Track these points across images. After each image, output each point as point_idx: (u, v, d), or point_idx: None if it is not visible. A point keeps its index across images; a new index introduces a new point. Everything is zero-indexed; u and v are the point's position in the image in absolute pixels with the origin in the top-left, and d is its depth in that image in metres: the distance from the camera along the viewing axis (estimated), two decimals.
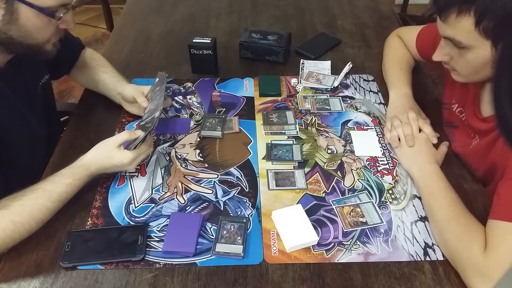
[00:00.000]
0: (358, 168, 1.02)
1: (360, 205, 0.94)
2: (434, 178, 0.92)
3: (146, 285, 0.80)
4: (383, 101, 1.21)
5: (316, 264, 0.83)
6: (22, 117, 1.02)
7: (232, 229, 0.88)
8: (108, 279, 0.80)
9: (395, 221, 0.90)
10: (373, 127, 1.13)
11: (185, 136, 1.10)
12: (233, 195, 0.96)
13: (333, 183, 0.98)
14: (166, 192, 0.96)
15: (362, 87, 1.27)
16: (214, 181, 0.99)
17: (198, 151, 1.06)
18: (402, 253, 0.85)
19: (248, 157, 1.05)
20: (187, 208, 0.93)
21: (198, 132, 1.11)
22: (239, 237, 0.86)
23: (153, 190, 0.97)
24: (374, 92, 1.25)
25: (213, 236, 0.87)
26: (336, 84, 1.27)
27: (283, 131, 1.12)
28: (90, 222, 0.90)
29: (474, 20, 0.76)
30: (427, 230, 0.88)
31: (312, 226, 0.87)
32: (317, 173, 1.00)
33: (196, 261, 0.83)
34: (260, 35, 1.37)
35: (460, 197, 0.87)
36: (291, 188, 0.97)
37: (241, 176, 1.00)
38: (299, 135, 1.11)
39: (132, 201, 0.94)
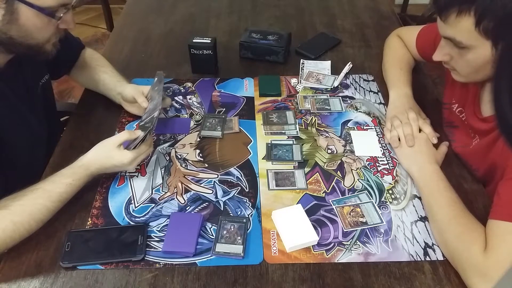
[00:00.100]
0: (358, 168, 1.02)
1: (360, 205, 0.94)
2: (434, 178, 0.92)
3: (146, 285, 0.80)
4: (383, 101, 1.21)
5: (316, 264, 0.83)
6: (22, 117, 1.02)
7: (232, 229, 0.88)
8: (108, 279, 0.80)
9: (395, 221, 0.90)
10: (373, 127, 1.13)
11: (185, 136, 1.10)
12: (233, 195, 0.96)
13: (333, 183, 0.98)
14: (166, 192, 0.96)
15: (362, 87, 1.27)
16: (214, 181, 0.99)
17: (198, 151, 1.06)
18: (402, 253, 0.85)
19: (248, 157, 1.05)
20: (187, 208, 0.93)
21: (198, 132, 1.11)
22: (239, 237, 0.86)
23: (153, 190, 0.97)
24: (374, 92, 1.25)
25: (213, 236, 0.87)
26: (336, 84, 1.27)
27: (283, 131, 1.12)
28: (90, 222, 0.90)
29: (474, 20, 0.76)
30: (427, 230, 0.88)
31: (312, 226, 0.87)
32: (317, 173, 1.00)
33: (196, 261, 0.83)
34: (260, 35, 1.37)
35: (460, 197, 0.87)
36: (291, 188, 0.97)
37: (241, 176, 1.00)
38: (299, 135, 1.11)
39: (132, 201, 0.94)
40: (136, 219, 0.91)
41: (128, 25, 1.59)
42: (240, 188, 0.97)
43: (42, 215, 0.84)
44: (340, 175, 1.00)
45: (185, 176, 1.00)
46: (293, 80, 1.29)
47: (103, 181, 0.98)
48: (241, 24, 1.57)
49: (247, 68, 1.35)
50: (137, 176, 0.99)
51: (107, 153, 0.92)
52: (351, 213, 0.92)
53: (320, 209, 0.93)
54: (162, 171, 1.01)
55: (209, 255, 0.84)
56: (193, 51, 1.27)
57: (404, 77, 1.16)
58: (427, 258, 0.84)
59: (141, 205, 0.93)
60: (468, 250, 0.77)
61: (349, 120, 1.15)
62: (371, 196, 0.95)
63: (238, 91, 1.25)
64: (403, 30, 1.31)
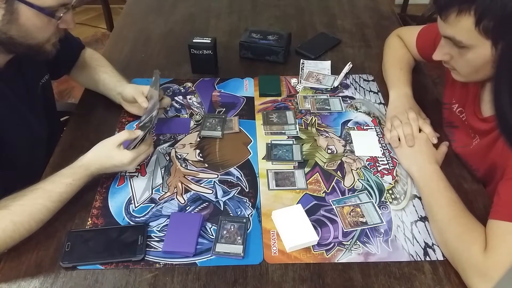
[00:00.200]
0: (358, 168, 1.02)
1: (360, 205, 0.93)
2: (434, 178, 0.92)
3: (146, 285, 0.80)
4: (383, 101, 1.21)
5: (316, 264, 0.83)
6: (22, 117, 1.02)
7: (232, 229, 0.87)
8: (108, 279, 0.80)
9: (395, 221, 0.90)
10: (373, 127, 1.13)
11: (185, 136, 1.10)
12: (233, 195, 0.96)
13: (333, 183, 0.98)
14: (166, 192, 0.96)
15: (362, 87, 1.27)
16: (214, 181, 0.99)
17: (198, 151, 1.06)
18: (402, 253, 0.84)
19: (248, 157, 1.05)
20: (187, 208, 0.93)
21: (198, 132, 1.11)
22: (239, 237, 0.86)
23: (153, 190, 0.97)
24: (374, 92, 1.25)
25: (213, 236, 0.87)
26: (336, 84, 1.27)
27: (283, 131, 1.12)
28: (90, 222, 0.90)
29: (474, 19, 0.76)
30: (427, 230, 0.88)
31: (312, 226, 0.87)
32: (317, 173, 1.00)
33: (196, 261, 0.83)
34: (260, 35, 1.37)
35: (460, 197, 0.87)
36: (291, 188, 0.97)
37: (241, 176, 1.00)
38: (299, 135, 1.11)
39: (132, 201, 0.94)
40: (136, 219, 0.91)
41: (128, 25, 1.59)
42: (240, 188, 0.97)
43: (42, 215, 0.84)
44: (340, 175, 1.00)
45: (185, 176, 1.00)
46: (293, 80, 1.29)
47: (103, 181, 0.98)
48: (241, 24, 1.57)
49: (247, 68, 1.35)
50: (137, 176, 0.99)
51: (107, 153, 0.92)
52: (351, 213, 0.92)
53: (320, 209, 0.93)
54: (162, 171, 1.01)
55: (209, 255, 0.84)
56: (193, 51, 1.27)
57: (404, 77, 1.16)
58: (427, 258, 0.84)
59: (141, 205, 0.93)
60: (468, 250, 0.77)
61: (349, 120, 1.15)
62: (371, 196, 0.95)
63: (238, 91, 1.25)
64: (403, 30, 1.31)
